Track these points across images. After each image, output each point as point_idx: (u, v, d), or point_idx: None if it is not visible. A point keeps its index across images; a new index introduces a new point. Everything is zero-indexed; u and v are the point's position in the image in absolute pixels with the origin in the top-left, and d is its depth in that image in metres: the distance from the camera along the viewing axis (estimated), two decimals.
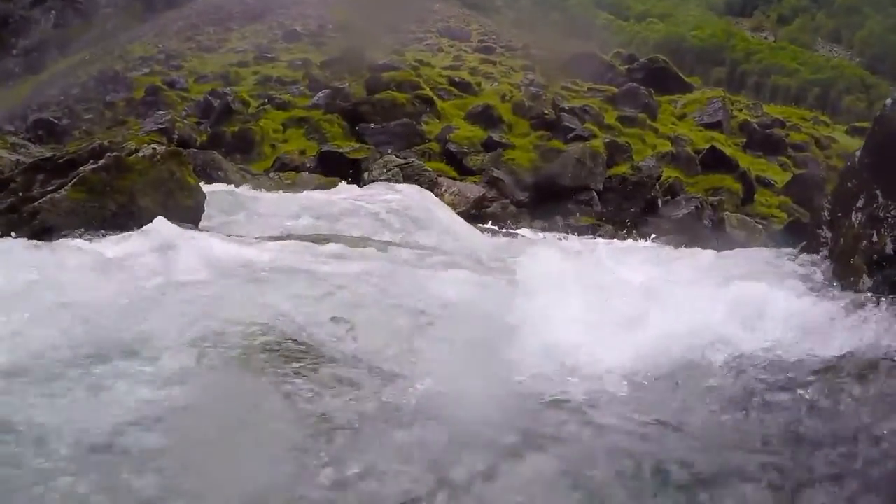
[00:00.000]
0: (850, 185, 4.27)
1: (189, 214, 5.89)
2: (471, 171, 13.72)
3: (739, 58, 65.52)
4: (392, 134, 15.43)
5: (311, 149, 15.82)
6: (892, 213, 3.73)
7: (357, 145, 14.75)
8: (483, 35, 40.36)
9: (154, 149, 6.26)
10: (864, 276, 3.60)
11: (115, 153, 6.63)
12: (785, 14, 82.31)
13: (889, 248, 3.55)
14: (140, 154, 6.58)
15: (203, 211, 6.10)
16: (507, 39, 40.44)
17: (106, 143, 7.47)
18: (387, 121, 15.98)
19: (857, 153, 4.57)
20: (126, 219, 6.15)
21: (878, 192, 3.95)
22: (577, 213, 11.83)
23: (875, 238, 3.68)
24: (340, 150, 14.09)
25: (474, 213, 10.77)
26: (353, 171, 13.08)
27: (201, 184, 9.03)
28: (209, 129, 18.37)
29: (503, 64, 28.42)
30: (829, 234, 4.24)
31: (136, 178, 6.16)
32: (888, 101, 4.35)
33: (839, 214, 4.23)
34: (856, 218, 3.98)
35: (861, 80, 64.29)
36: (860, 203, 4.02)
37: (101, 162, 6.62)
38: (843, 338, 2.92)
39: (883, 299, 3.13)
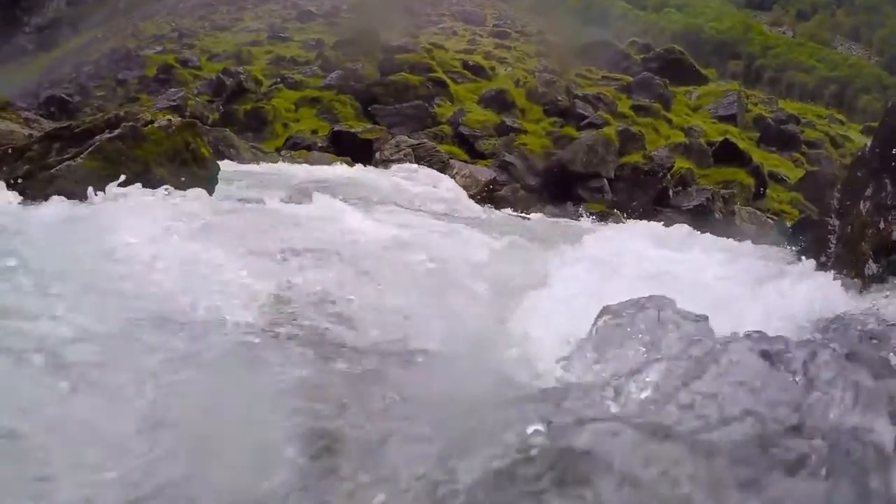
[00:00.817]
0: (859, 174, 4.31)
1: (203, 185, 5.95)
2: (482, 155, 13.73)
3: (756, 52, 64.91)
4: (404, 116, 15.45)
5: (322, 129, 15.86)
6: None
7: (369, 126, 14.79)
8: (498, 20, 40.18)
9: (169, 120, 6.31)
10: (871, 261, 3.65)
11: (131, 123, 6.70)
12: (804, 10, 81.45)
13: (895, 235, 3.59)
14: (156, 125, 6.65)
15: (217, 182, 6.16)
16: (522, 24, 40.24)
17: (122, 113, 7.55)
18: (399, 103, 15.99)
19: (868, 143, 4.61)
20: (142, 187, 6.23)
21: (886, 180, 3.99)
22: (588, 201, 11.84)
23: (882, 225, 3.73)
24: (352, 131, 14.12)
25: (485, 197, 10.82)
26: (365, 152, 13.13)
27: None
28: (221, 108, 18.42)
29: (517, 49, 28.29)
30: (837, 223, 4.28)
31: (151, 148, 6.21)
32: None
33: (848, 203, 4.27)
34: (864, 206, 4.01)
35: (879, 80, 63.67)
36: (869, 192, 4.05)
37: (116, 131, 6.68)
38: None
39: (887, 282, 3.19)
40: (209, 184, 6.02)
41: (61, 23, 48.91)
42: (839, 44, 76.81)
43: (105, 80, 25.72)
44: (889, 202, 3.82)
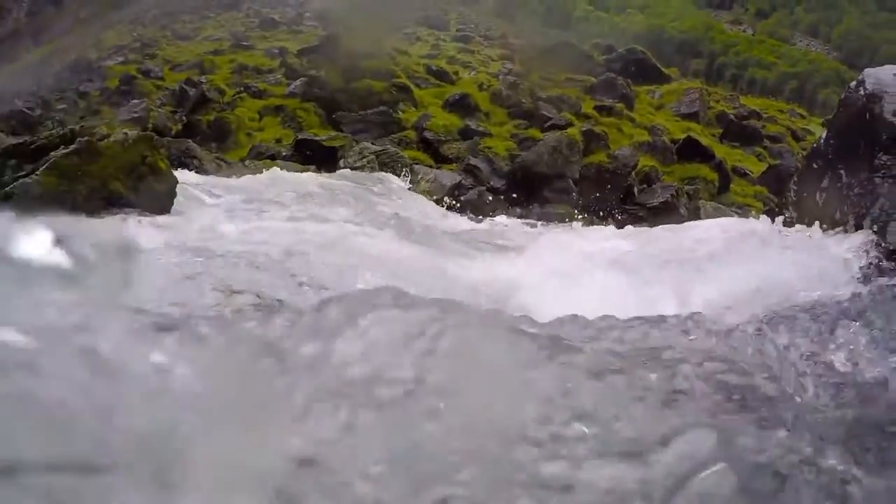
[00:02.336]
0: (815, 165, 4.37)
1: (160, 199, 5.85)
2: (447, 160, 13.72)
3: (718, 50, 66.02)
4: (369, 122, 15.38)
5: (287, 137, 15.74)
6: (855, 191, 3.85)
7: (334, 133, 14.70)
8: (461, 24, 40.26)
9: (125, 133, 6.20)
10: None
11: (86, 138, 6.58)
12: (763, 8, 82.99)
13: (851, 226, 3.64)
14: (111, 139, 6.54)
15: (175, 196, 6.06)
16: (486, 29, 40.39)
17: (78, 128, 7.41)
18: (364, 109, 15.93)
19: (823, 134, 4.68)
20: (98, 203, 6.11)
21: (841, 171, 4.05)
22: (554, 202, 11.89)
23: (838, 216, 3.80)
24: (317, 139, 14.03)
25: (450, 201, 10.81)
26: (330, 159, 13.04)
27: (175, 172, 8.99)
28: (184, 118, 18.19)
29: (481, 53, 28.38)
30: (794, 214, 4.34)
31: (107, 163, 6.11)
32: (853, 83, 4.47)
33: (804, 195, 4.34)
34: (820, 197, 4.08)
35: (837, 74, 64.99)
36: (825, 183, 4.13)
37: (72, 147, 6.56)
38: None
39: None
40: (167, 198, 5.93)
41: (21, 34, 48.08)
42: (798, 40, 78.35)
43: (66, 93, 25.27)
44: (845, 192, 3.89)
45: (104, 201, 5.95)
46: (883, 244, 3.38)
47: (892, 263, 3.22)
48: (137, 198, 5.88)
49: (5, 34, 47.54)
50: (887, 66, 4.48)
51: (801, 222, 4.12)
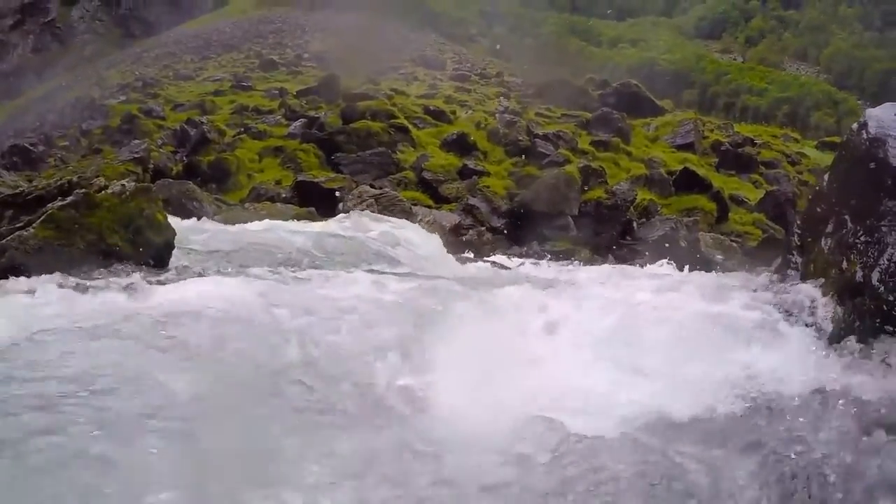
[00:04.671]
0: (819, 209, 4.30)
1: (159, 252, 5.81)
2: (446, 200, 13.71)
3: (710, 79, 66.70)
4: (368, 163, 15.41)
5: (286, 178, 15.76)
6: (862, 238, 3.76)
7: (333, 175, 14.71)
8: (457, 63, 40.77)
9: (123, 185, 6.18)
10: (836, 305, 3.64)
11: (83, 189, 6.55)
12: (752, 35, 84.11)
13: (859, 276, 3.58)
14: (109, 191, 6.51)
15: (173, 248, 6.02)
16: (482, 67, 40.87)
17: (75, 178, 7.39)
18: (362, 150, 15.97)
19: (826, 177, 4.62)
20: (95, 257, 6.06)
21: (846, 217, 3.98)
22: (553, 239, 11.86)
23: (845, 265, 3.71)
24: (316, 180, 14.03)
25: (450, 242, 10.76)
26: (329, 202, 13.02)
27: (176, 217, 8.98)
28: (185, 159, 18.24)
29: (478, 91, 28.66)
30: (799, 259, 4.26)
31: (104, 215, 6.07)
32: (854, 125, 4.42)
33: (809, 239, 4.26)
34: (825, 244, 4.00)
35: (829, 96, 65.68)
36: (829, 228, 4.04)
37: (69, 199, 6.53)
38: None
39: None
40: (165, 251, 5.89)
41: (26, 70, 48.64)
42: (788, 65, 79.34)
43: (69, 130, 25.51)
44: (851, 240, 3.80)
45: (102, 255, 5.89)
46: (891, 300, 3.29)
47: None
48: (135, 252, 5.82)
49: (10, 70, 48.08)
50: (888, 105, 4.42)
51: (807, 269, 4.06)
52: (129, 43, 54.98)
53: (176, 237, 6.15)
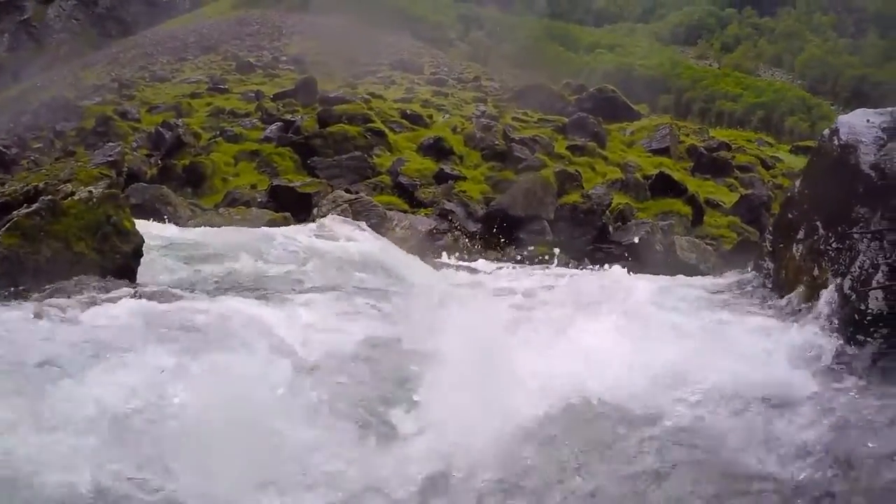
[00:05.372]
0: (790, 215, 4.28)
1: (126, 260, 5.67)
2: (423, 204, 13.64)
3: (685, 85, 67.21)
4: (344, 168, 15.30)
5: (262, 183, 15.60)
6: (833, 245, 3.73)
7: (308, 179, 14.58)
8: (435, 67, 40.72)
9: (90, 192, 6.04)
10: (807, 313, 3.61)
11: (49, 196, 6.41)
12: (728, 42, 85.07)
13: (830, 283, 3.55)
14: (76, 197, 6.37)
15: (141, 255, 5.89)
16: (460, 72, 40.88)
17: (41, 185, 7.24)
18: (339, 154, 15.86)
19: (797, 183, 4.61)
20: (61, 265, 5.92)
21: (818, 223, 3.96)
22: (530, 244, 11.83)
23: (816, 272, 3.68)
24: (291, 185, 13.90)
25: (426, 247, 10.69)
26: (304, 206, 12.91)
27: (150, 221, 8.84)
28: (160, 163, 18.00)
29: (455, 96, 28.61)
30: (771, 265, 4.24)
31: (71, 223, 5.94)
32: (826, 131, 4.40)
33: (780, 245, 4.24)
34: (797, 250, 3.97)
35: (803, 101, 66.50)
36: (801, 234, 4.03)
37: (35, 206, 6.39)
38: None
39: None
40: (133, 259, 5.75)
41: (1, 70, 47.87)
42: (763, 71, 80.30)
43: (43, 132, 25.05)
44: (822, 247, 3.77)
45: (68, 264, 5.76)
46: (862, 308, 3.25)
47: (862, 341, 3.07)
48: (103, 259, 5.70)
49: None
50: (859, 112, 4.39)
51: (778, 275, 4.03)
52: (105, 43, 54.38)
53: (144, 244, 6.02)
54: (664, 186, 15.35)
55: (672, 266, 10.82)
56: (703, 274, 11.08)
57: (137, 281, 5.75)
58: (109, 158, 17.29)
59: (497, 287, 6.03)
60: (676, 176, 16.28)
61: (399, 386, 3.56)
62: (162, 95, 30.03)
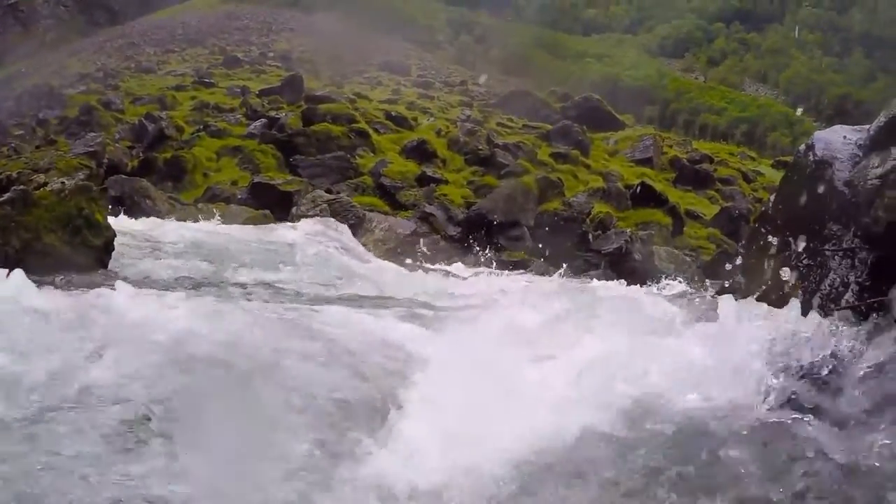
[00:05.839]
0: (763, 229, 4.29)
1: (97, 254, 5.58)
2: (403, 206, 13.61)
3: (671, 97, 67.69)
4: (326, 167, 15.23)
5: (243, 179, 15.50)
6: (805, 262, 3.71)
7: (290, 178, 14.50)
8: (422, 70, 40.76)
9: (63, 183, 5.94)
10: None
11: (21, 187, 6.31)
12: (714, 56, 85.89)
13: (800, 300, 3.46)
14: (48, 188, 6.27)
15: (113, 249, 5.80)
16: (446, 75, 40.94)
17: (15, 174, 7.13)
18: (322, 153, 15.78)
19: (772, 198, 4.62)
20: (31, 257, 5.82)
21: (790, 238, 3.97)
22: (509, 249, 11.84)
23: (787, 288, 3.67)
24: (272, 183, 13.82)
25: (404, 249, 10.66)
26: (285, 204, 12.83)
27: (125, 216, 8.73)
28: (141, 155, 17.83)
29: (441, 99, 28.66)
30: (742, 280, 4.25)
31: (42, 214, 5.84)
32: (802, 146, 4.39)
33: (753, 260, 4.24)
34: (768, 265, 3.97)
35: (786, 118, 67.21)
36: (773, 250, 4.03)
37: (6, 196, 6.28)
38: None
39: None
40: (104, 253, 5.67)
41: None
42: (748, 86, 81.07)
43: (25, 119, 24.73)
44: (793, 262, 3.77)
45: (38, 255, 5.67)
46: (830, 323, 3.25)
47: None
48: (73, 252, 5.61)
49: None
50: (837, 128, 4.38)
51: (749, 292, 4.02)
52: (92, 31, 53.83)
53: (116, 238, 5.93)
54: (645, 196, 15.44)
55: (649, 274, 10.88)
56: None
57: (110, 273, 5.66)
58: (90, 149, 17.11)
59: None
60: (658, 186, 16.39)
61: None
62: (147, 87, 29.83)
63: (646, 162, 19.44)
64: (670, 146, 24.20)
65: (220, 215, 12.19)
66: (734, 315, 3.51)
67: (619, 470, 2.69)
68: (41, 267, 5.66)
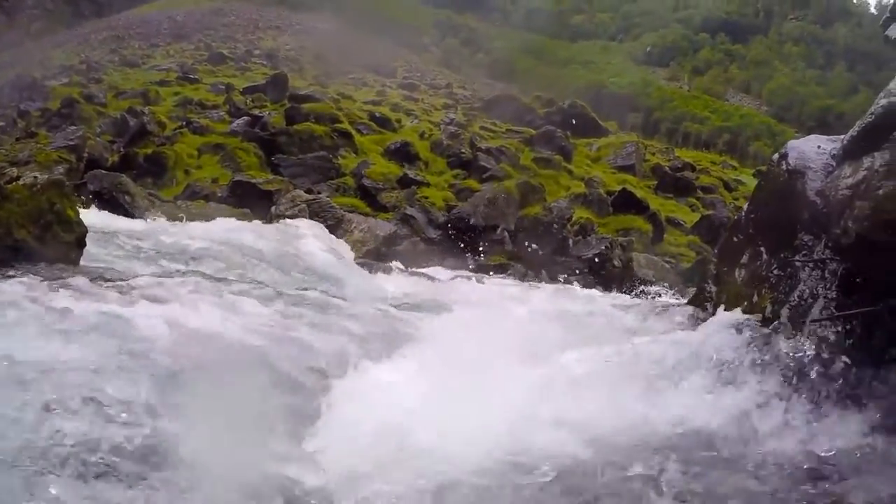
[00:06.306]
0: (735, 239, 4.26)
1: (68, 250, 5.49)
2: (384, 208, 13.56)
3: (655, 105, 68.07)
4: (308, 167, 15.14)
5: (224, 177, 15.38)
6: (775, 272, 3.66)
7: (271, 177, 14.40)
8: (408, 72, 40.71)
9: (35, 177, 5.85)
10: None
11: None
12: (699, 66, 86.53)
13: (769, 312, 3.48)
14: (21, 182, 6.17)
15: (84, 246, 5.71)
16: (432, 78, 40.94)
17: None
18: (304, 153, 15.70)
19: (745, 208, 4.59)
20: (2, 252, 5.72)
21: (762, 248, 3.93)
22: (489, 253, 11.84)
23: (755, 299, 3.64)
24: (253, 181, 13.72)
25: (383, 251, 10.62)
26: (266, 203, 12.75)
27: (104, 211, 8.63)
28: (122, 150, 17.64)
29: (425, 101, 28.64)
30: (714, 289, 4.21)
31: (13, 208, 5.72)
32: (775, 156, 4.33)
33: (724, 269, 4.21)
34: (739, 275, 3.93)
35: (768, 128, 67.74)
36: (745, 259, 4.00)
37: None
38: None
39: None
40: (76, 249, 5.58)
41: None
42: (731, 96, 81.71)
43: (6, 110, 24.42)
44: (764, 272, 3.71)
45: (9, 251, 5.56)
46: (794, 338, 3.21)
47: None
48: (44, 248, 5.51)
49: None
50: (812, 137, 4.33)
51: (719, 300, 4.00)
52: (77, 22, 53.37)
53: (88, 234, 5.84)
54: (626, 203, 15.51)
55: (627, 281, 10.93)
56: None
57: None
58: (71, 142, 16.90)
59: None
60: (639, 193, 16.46)
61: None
62: (130, 81, 29.62)
63: (628, 169, 19.54)
64: (653, 153, 24.36)
65: (199, 213, 12.13)
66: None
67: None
68: (11, 261, 5.57)
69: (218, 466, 2.62)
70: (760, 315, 3.46)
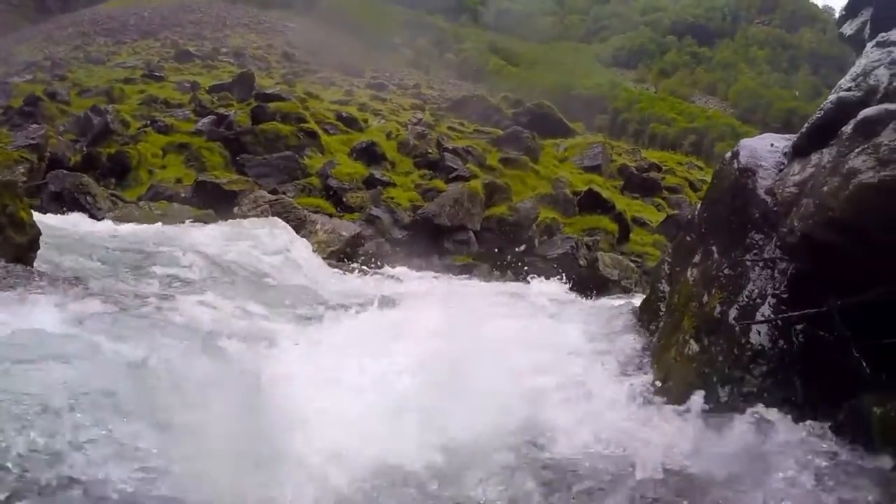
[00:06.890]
0: (688, 238, 4.23)
1: (21, 252, 5.38)
2: (350, 209, 13.50)
3: (622, 106, 68.68)
4: (273, 167, 15.02)
5: (188, 177, 15.19)
6: (725, 272, 3.59)
7: (236, 177, 14.25)
8: (376, 72, 40.52)
9: None
10: (692, 340, 3.45)
11: None
12: (666, 68, 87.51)
13: (717, 312, 3.41)
14: None
15: (38, 248, 5.60)
16: (400, 78, 40.82)
17: None
18: (269, 153, 15.56)
19: (697, 206, 4.51)
20: None
21: (713, 247, 3.88)
22: (454, 253, 11.84)
23: (706, 299, 3.56)
24: (217, 181, 13.56)
25: (348, 252, 10.56)
26: (230, 204, 12.62)
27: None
28: (85, 149, 17.32)
29: (393, 101, 28.55)
30: (667, 289, 4.17)
31: None
32: (728, 154, 4.28)
33: (677, 269, 4.17)
34: (691, 274, 3.89)
35: (733, 129, 68.62)
36: (696, 259, 3.95)
37: None
38: None
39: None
40: (28, 251, 5.47)
41: None
42: (698, 98, 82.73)
43: None
44: (714, 272, 3.65)
45: None
46: (742, 343, 3.18)
47: None
48: None
49: None
50: (765, 136, 4.24)
51: (671, 300, 3.95)
52: (42, 18, 52.32)
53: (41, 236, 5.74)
54: (592, 203, 15.61)
55: (594, 280, 11.00)
56: (625, 290, 11.35)
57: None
58: (32, 141, 16.52)
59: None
60: (605, 193, 16.58)
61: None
62: (95, 78, 29.10)
63: (594, 169, 19.68)
64: (620, 154, 24.55)
65: (161, 214, 11.96)
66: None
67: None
68: None
69: None
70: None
